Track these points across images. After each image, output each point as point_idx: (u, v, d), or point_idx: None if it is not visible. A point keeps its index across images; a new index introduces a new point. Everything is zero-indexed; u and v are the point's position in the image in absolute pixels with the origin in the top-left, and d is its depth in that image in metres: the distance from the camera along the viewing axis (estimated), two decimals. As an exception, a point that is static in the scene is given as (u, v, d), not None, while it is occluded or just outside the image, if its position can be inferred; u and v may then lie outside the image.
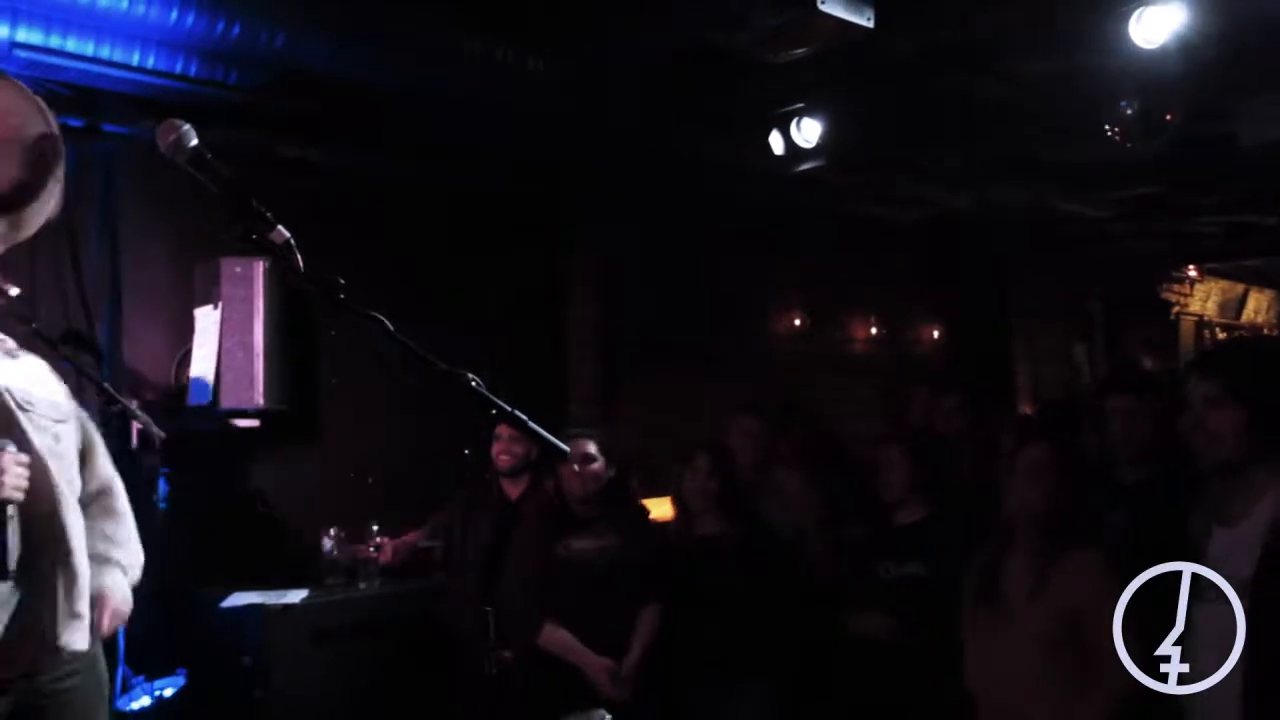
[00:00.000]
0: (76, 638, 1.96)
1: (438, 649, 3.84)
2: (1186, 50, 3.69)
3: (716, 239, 6.35)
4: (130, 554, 2.23)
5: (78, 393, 3.62)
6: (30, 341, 3.16)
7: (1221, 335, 10.88)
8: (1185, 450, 2.24)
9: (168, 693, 3.53)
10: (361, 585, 3.96)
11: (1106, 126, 4.44)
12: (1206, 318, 10.73)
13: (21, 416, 1.94)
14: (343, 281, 1.64)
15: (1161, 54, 3.76)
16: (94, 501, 2.16)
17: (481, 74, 4.02)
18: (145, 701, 3.45)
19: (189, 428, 3.95)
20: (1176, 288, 10.28)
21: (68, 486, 2.01)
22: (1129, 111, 4.34)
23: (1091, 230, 7.92)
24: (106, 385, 3.44)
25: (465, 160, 4.91)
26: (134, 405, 3.43)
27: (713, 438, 4.07)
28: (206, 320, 3.96)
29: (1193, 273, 10.32)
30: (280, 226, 1.65)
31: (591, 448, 3.66)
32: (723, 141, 5.24)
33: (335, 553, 4.01)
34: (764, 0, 3.47)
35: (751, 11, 3.52)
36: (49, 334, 3.34)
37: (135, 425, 3.42)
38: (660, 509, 4.02)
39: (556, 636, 3.49)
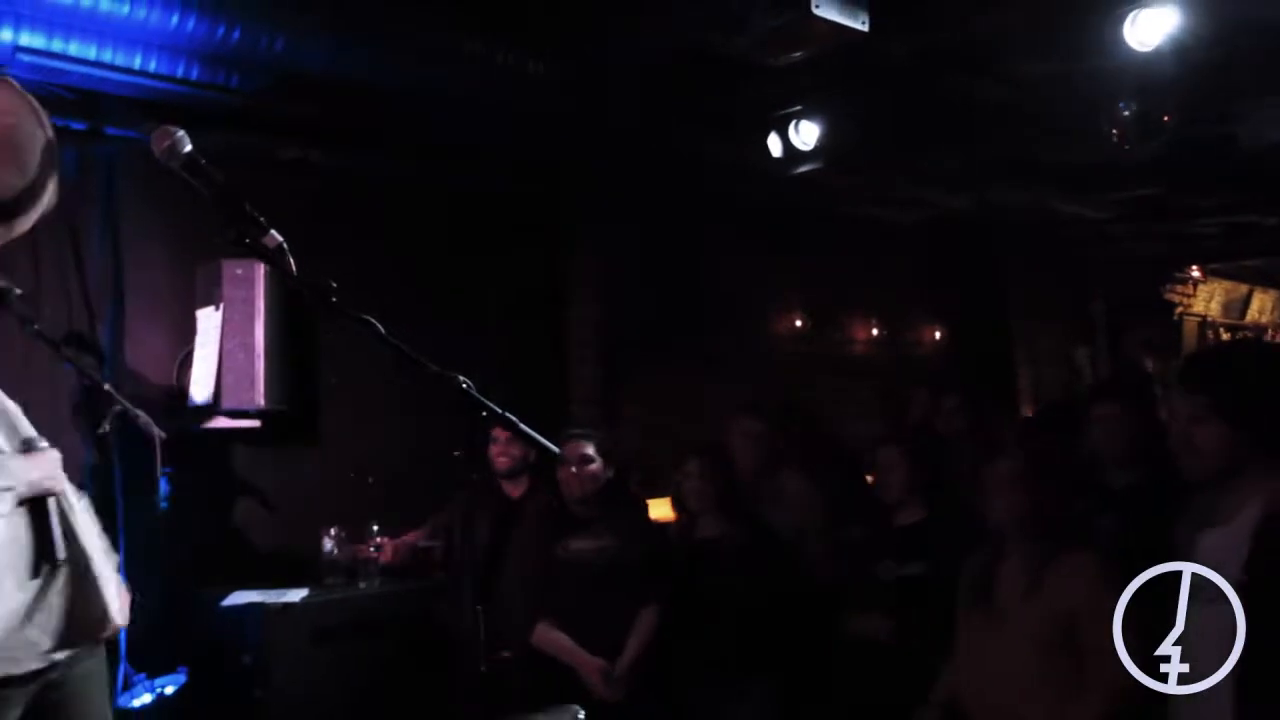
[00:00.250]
0: (120, 614, 2.09)
1: (437, 649, 3.86)
2: (1181, 52, 3.70)
3: (717, 240, 6.36)
4: None
5: (80, 392, 3.70)
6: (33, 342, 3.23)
7: (1226, 336, 10.87)
8: (1169, 454, 2.25)
9: (169, 690, 3.55)
10: (361, 585, 3.97)
11: (1104, 128, 4.45)
12: (1210, 318, 10.71)
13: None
14: (334, 285, 1.66)
15: (1156, 56, 3.77)
16: None
17: (482, 75, 4.04)
18: (146, 699, 3.48)
19: (190, 428, 3.98)
20: (1179, 288, 10.27)
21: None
22: (1126, 113, 4.35)
23: (1092, 231, 7.92)
24: (108, 386, 3.47)
25: (466, 161, 4.92)
26: (135, 406, 3.45)
27: (709, 439, 4.07)
28: (208, 321, 3.98)
29: (1196, 273, 10.30)
30: (273, 231, 1.67)
31: (589, 449, 3.67)
32: (722, 143, 5.25)
33: (335, 552, 4.02)
34: (761, 3, 3.48)
35: (749, 14, 3.53)
36: (52, 335, 3.38)
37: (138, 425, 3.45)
38: (661, 510, 4.03)
39: (550, 637, 3.50)
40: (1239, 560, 2.01)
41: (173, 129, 1.68)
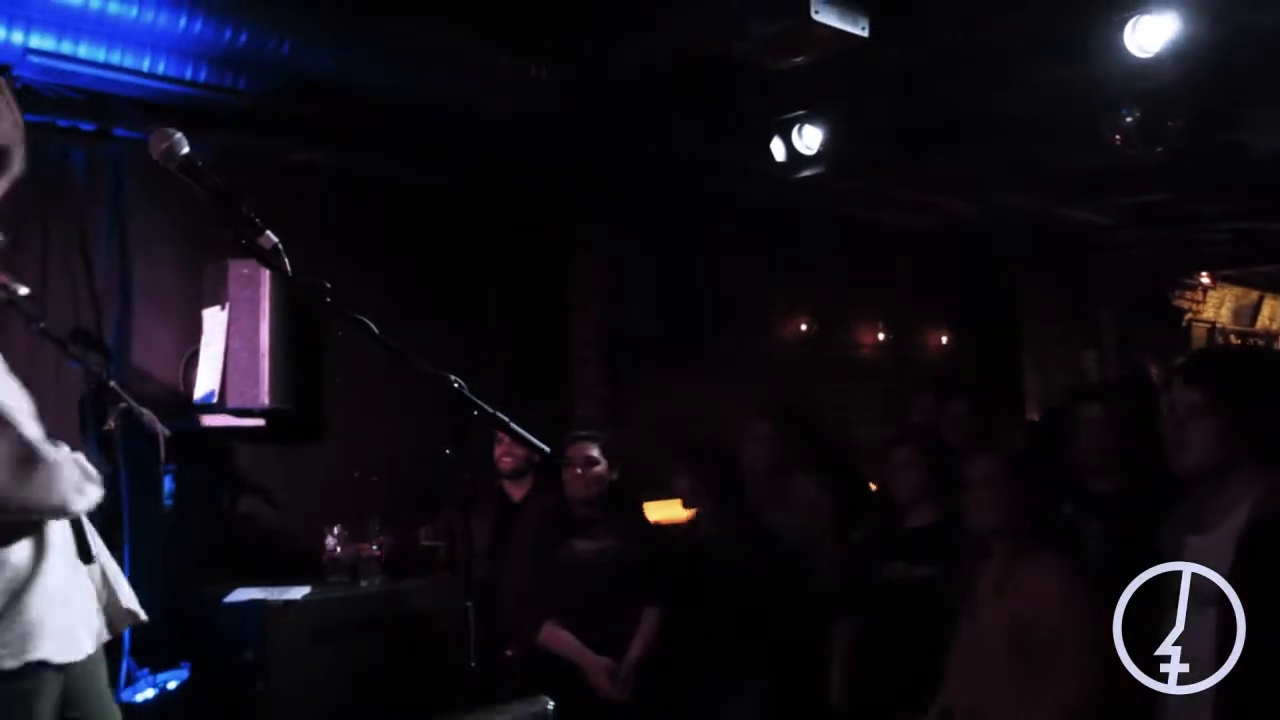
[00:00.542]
0: (138, 606, 2.19)
1: (438, 648, 3.88)
2: (1182, 59, 3.70)
3: (721, 242, 6.37)
4: None
5: (86, 390, 3.73)
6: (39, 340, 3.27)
7: (1236, 342, 10.81)
8: (1156, 459, 2.25)
9: (171, 685, 3.58)
10: (363, 583, 3.98)
11: (1106, 134, 4.45)
12: (1220, 325, 10.66)
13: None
14: (329, 285, 1.68)
15: (1157, 62, 3.78)
16: None
17: (483, 77, 4.07)
18: (149, 694, 3.51)
19: (195, 426, 4.02)
20: (1189, 295, 10.22)
21: None
22: (1129, 119, 4.35)
23: (1101, 237, 7.89)
24: (114, 384, 3.50)
25: (468, 162, 4.95)
26: (140, 404, 3.48)
27: (705, 440, 4.09)
28: (214, 321, 4.02)
29: (1205, 280, 10.25)
30: (269, 231, 1.70)
31: (594, 450, 3.69)
32: (726, 145, 5.26)
33: (338, 550, 4.04)
34: (761, 8, 3.50)
35: (749, 19, 3.55)
36: (58, 334, 3.42)
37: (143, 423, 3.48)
38: (665, 511, 4.05)
39: (556, 636, 3.53)
40: (1224, 567, 2.01)
41: (170, 131, 1.71)
